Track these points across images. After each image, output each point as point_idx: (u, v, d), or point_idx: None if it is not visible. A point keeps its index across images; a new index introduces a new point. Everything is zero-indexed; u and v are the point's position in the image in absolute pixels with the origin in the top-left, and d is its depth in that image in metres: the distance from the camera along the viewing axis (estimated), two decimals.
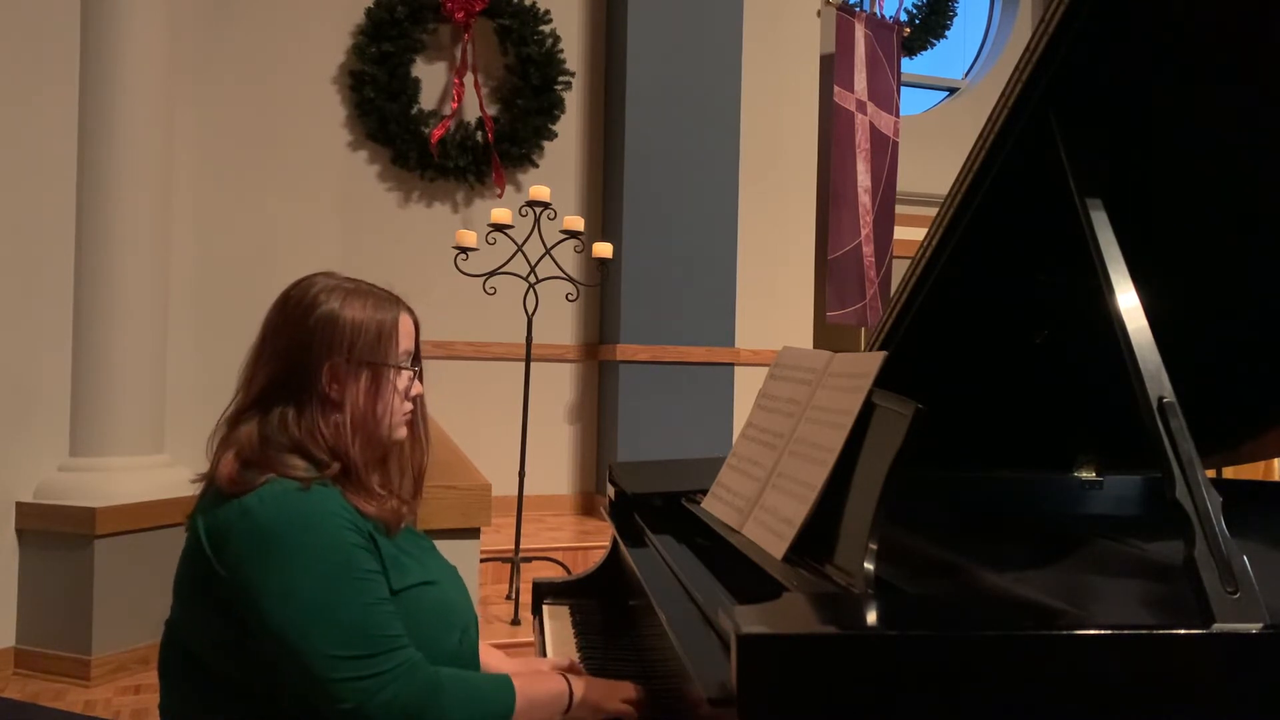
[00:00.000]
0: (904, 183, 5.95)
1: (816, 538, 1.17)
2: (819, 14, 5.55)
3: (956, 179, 1.36)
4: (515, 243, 3.85)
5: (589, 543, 4.23)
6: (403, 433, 1.32)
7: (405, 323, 1.30)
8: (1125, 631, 0.90)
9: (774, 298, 5.27)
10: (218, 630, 1.15)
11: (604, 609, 1.77)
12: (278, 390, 1.22)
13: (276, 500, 1.14)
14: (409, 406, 1.32)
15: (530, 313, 3.87)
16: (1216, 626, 0.92)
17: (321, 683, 1.08)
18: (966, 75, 6.95)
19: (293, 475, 1.17)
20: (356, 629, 1.10)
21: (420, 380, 1.34)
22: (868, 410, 1.19)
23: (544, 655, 1.59)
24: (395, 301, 1.31)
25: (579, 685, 1.25)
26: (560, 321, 5.01)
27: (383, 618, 1.13)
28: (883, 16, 5.98)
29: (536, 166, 5.05)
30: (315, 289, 1.25)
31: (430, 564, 1.31)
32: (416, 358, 1.34)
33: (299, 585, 1.10)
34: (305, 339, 1.22)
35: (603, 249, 4.02)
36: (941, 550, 1.32)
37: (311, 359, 1.21)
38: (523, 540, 3.79)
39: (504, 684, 1.20)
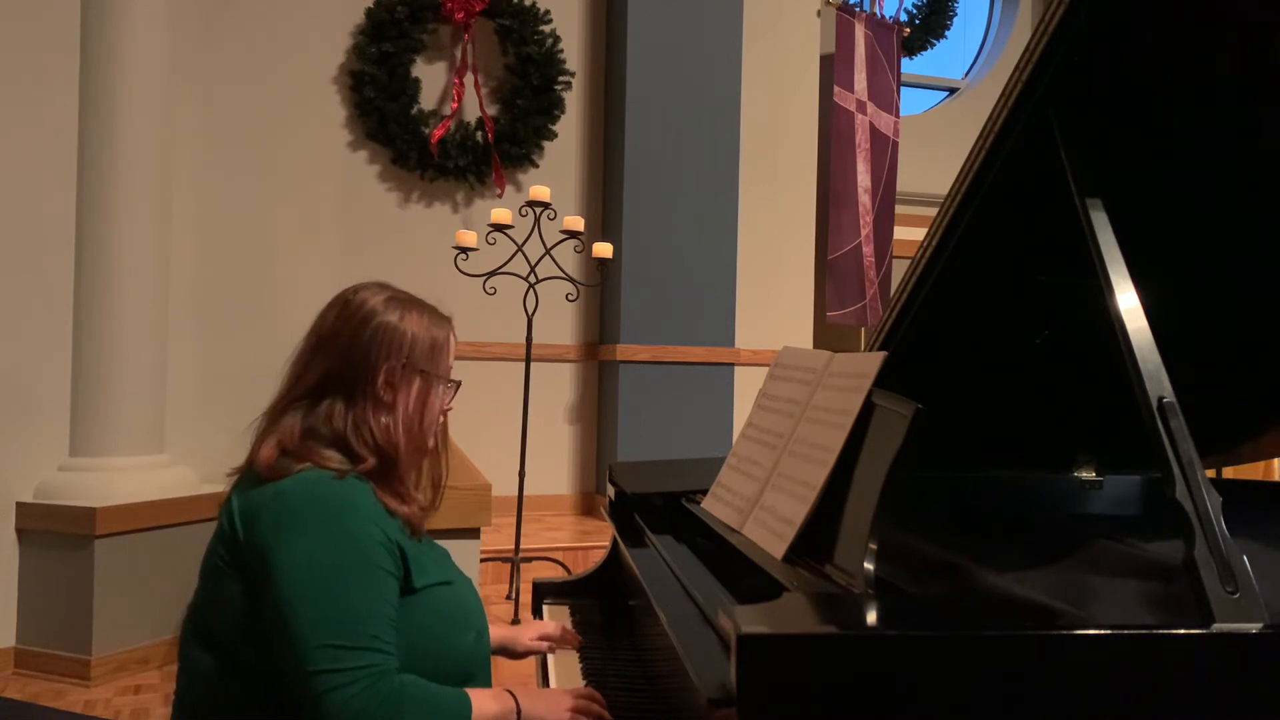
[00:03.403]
0: (904, 183, 5.95)
1: (816, 538, 1.17)
2: (819, 14, 5.55)
3: (956, 179, 1.37)
4: (515, 243, 3.85)
5: (589, 543, 4.23)
6: (433, 442, 1.38)
7: (452, 341, 1.38)
8: (1125, 631, 0.90)
9: (774, 298, 5.27)
10: (240, 608, 1.18)
11: (604, 609, 1.77)
12: (331, 386, 1.27)
13: (309, 484, 1.19)
14: (442, 419, 1.38)
15: (530, 313, 3.87)
16: (1216, 626, 0.92)
17: (296, 664, 1.11)
18: (966, 75, 6.95)
19: (328, 466, 1.22)
20: (348, 619, 1.13)
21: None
22: (868, 410, 1.19)
23: (544, 656, 1.59)
24: (446, 320, 1.39)
25: (526, 698, 1.26)
26: (560, 321, 5.02)
27: (376, 617, 1.15)
28: (883, 16, 5.98)
29: (536, 166, 5.05)
30: (378, 297, 1.33)
31: (447, 567, 1.36)
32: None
33: (309, 563, 1.14)
34: (366, 342, 1.28)
35: (603, 249, 4.02)
36: (941, 550, 1.32)
37: (370, 361, 1.28)
38: (523, 540, 3.79)
39: (462, 700, 1.21)
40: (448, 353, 1.36)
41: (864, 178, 5.74)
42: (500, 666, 3.44)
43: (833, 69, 5.64)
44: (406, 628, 1.19)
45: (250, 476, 1.24)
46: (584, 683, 1.43)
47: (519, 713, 1.24)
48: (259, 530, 1.17)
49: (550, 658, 1.58)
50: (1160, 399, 1.06)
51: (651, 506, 1.73)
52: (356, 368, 1.27)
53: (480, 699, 1.23)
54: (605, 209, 5.16)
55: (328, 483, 1.20)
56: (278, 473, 1.20)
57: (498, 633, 1.54)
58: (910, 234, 5.83)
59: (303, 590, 1.12)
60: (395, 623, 1.18)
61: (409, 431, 1.30)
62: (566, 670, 1.52)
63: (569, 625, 1.67)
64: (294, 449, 1.23)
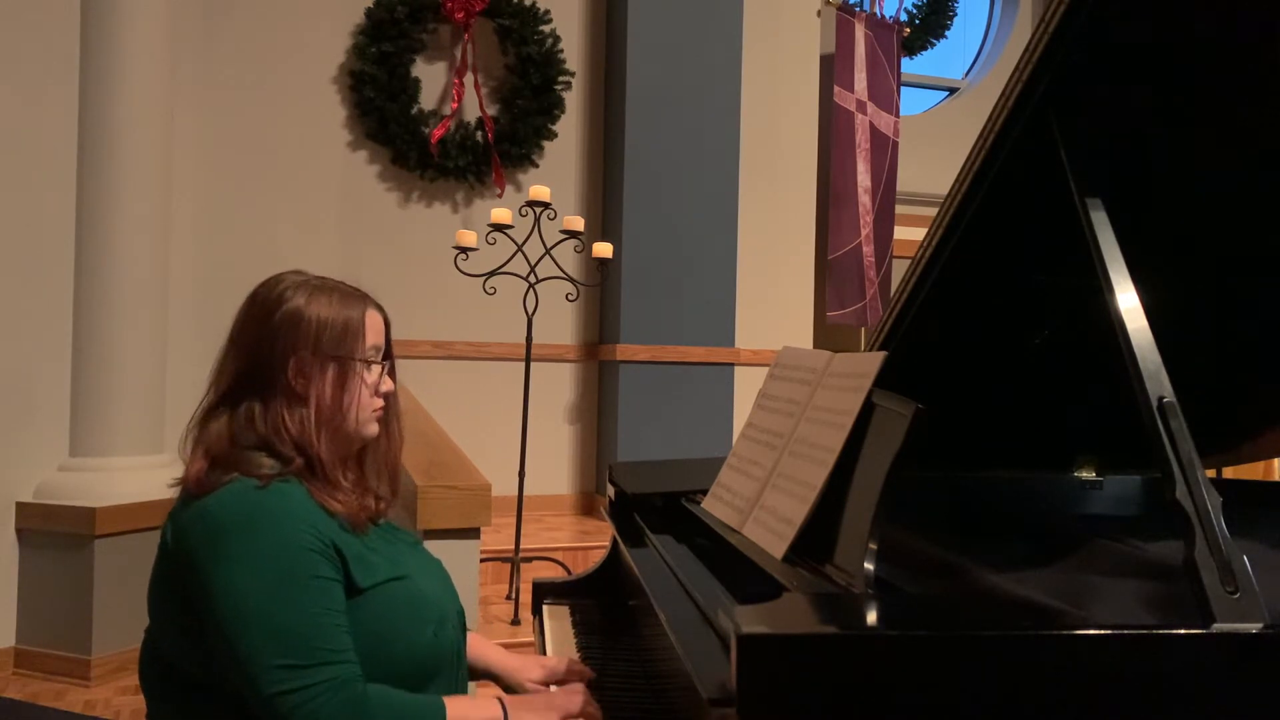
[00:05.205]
0: (904, 183, 5.95)
1: (816, 538, 1.17)
2: (819, 14, 5.55)
3: (956, 179, 1.36)
4: (515, 243, 3.85)
5: (589, 543, 4.23)
6: (374, 429, 1.31)
7: (373, 318, 1.30)
8: (1125, 631, 0.90)
9: (774, 298, 5.27)
10: (185, 633, 1.15)
11: (604, 609, 1.77)
12: (244, 386, 1.22)
13: (233, 499, 1.14)
14: (379, 403, 1.31)
15: (530, 313, 3.87)
16: (1216, 626, 0.92)
17: (254, 690, 1.08)
18: (966, 75, 6.95)
19: (256, 474, 1.17)
20: (293, 636, 1.09)
21: (392, 376, 1.33)
22: (868, 410, 1.19)
23: (544, 655, 1.59)
24: (362, 298, 1.31)
25: (514, 707, 1.22)
26: (560, 321, 5.01)
27: (324, 628, 1.12)
28: (883, 16, 5.98)
29: (536, 166, 5.05)
30: (281, 286, 1.26)
31: (404, 559, 1.30)
32: (387, 353, 1.34)
33: (244, 585, 1.09)
34: (270, 334, 1.22)
35: (603, 249, 4.02)
36: (941, 550, 1.32)
37: (276, 354, 1.21)
38: (523, 540, 3.79)
39: (435, 706, 1.17)
40: (364, 333, 1.27)
41: (864, 178, 5.74)
42: None
43: (833, 69, 5.64)
44: (357, 630, 1.15)
45: (183, 494, 1.19)
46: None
47: (506, 717, 1.20)
48: (189, 553, 1.13)
49: (550, 655, 1.57)
50: (1160, 399, 1.06)
51: (651, 506, 1.73)
52: (265, 365, 1.21)
53: (460, 705, 1.19)
54: (605, 209, 5.16)
55: (252, 494, 1.15)
56: (205, 487, 1.15)
57: (498, 659, 1.45)
58: (910, 234, 5.82)
59: (244, 614, 1.08)
60: (348, 629, 1.14)
61: (328, 423, 1.23)
62: None
63: (570, 627, 1.67)
64: (223, 458, 1.17)
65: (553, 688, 1.39)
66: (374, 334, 1.29)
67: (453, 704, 1.18)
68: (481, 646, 1.45)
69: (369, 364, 1.28)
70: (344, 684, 1.10)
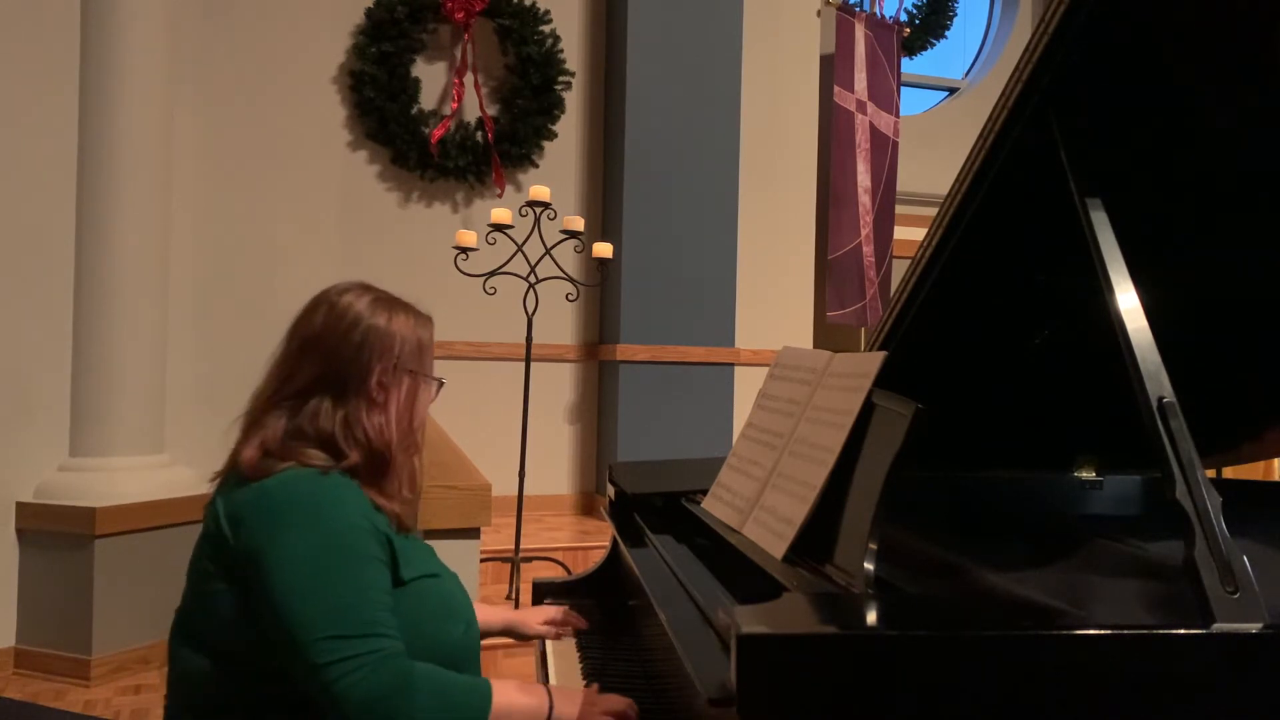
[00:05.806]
0: (904, 183, 5.95)
1: (816, 538, 1.17)
2: (819, 14, 5.55)
3: (956, 179, 1.37)
4: (515, 243, 3.85)
5: (589, 543, 4.23)
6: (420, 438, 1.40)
7: (432, 339, 1.41)
8: (1125, 631, 0.90)
9: (774, 298, 5.27)
10: (230, 610, 1.18)
11: (604, 609, 1.77)
12: (321, 387, 1.28)
13: (294, 480, 1.21)
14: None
15: (530, 313, 3.87)
16: (1216, 626, 0.92)
17: (301, 661, 1.12)
18: (966, 75, 6.95)
19: (312, 464, 1.23)
20: (345, 609, 1.13)
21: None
22: (868, 410, 1.19)
23: (544, 655, 1.59)
24: (429, 319, 1.41)
25: (560, 699, 1.23)
26: (560, 321, 5.02)
27: (373, 604, 1.16)
28: (883, 16, 5.98)
29: (536, 166, 5.05)
30: (364, 300, 1.33)
31: (433, 561, 1.37)
32: None
33: (300, 558, 1.14)
34: (357, 345, 1.29)
35: (603, 249, 4.02)
36: (941, 550, 1.32)
37: (363, 363, 1.29)
38: (523, 540, 3.79)
39: (481, 689, 1.19)
40: (431, 351, 1.39)
41: (864, 178, 5.74)
42: (499, 663, 3.43)
43: (833, 69, 5.64)
44: (396, 619, 1.19)
45: (234, 478, 1.25)
46: (584, 682, 1.44)
47: (551, 709, 1.22)
48: (247, 531, 1.17)
49: (550, 654, 1.58)
50: (1160, 399, 1.06)
51: (651, 506, 1.73)
52: (349, 370, 1.28)
53: (507, 689, 1.22)
54: (605, 209, 5.16)
55: (312, 479, 1.21)
56: (261, 473, 1.21)
57: (504, 615, 1.61)
58: (910, 234, 5.83)
59: (297, 586, 1.13)
60: (392, 609, 1.18)
61: (401, 429, 1.32)
62: (566, 666, 1.53)
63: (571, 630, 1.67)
64: (277, 449, 1.24)
65: (553, 632, 1.61)
66: (432, 353, 1.40)
67: (500, 686, 1.21)
68: (486, 610, 1.57)
69: (433, 380, 1.39)
70: (390, 657, 1.14)
